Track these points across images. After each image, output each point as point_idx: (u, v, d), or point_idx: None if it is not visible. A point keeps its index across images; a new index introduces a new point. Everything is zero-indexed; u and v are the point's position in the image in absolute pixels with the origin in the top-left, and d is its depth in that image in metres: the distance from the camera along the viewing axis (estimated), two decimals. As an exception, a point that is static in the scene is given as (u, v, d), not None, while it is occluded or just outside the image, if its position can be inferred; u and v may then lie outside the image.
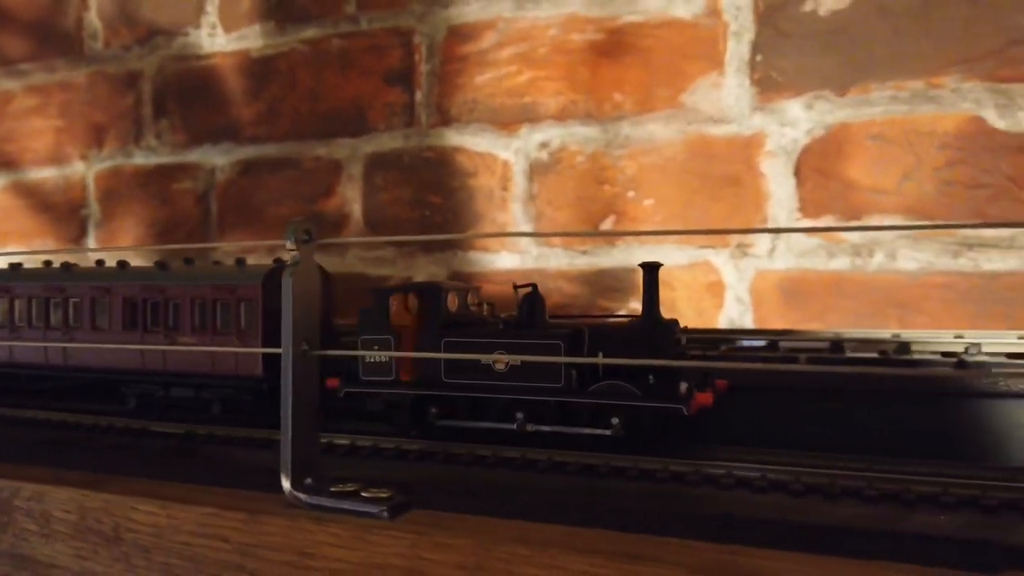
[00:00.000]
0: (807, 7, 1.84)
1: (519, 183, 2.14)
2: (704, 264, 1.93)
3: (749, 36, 1.90)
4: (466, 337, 1.43)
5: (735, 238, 1.90)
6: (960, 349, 1.47)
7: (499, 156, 2.16)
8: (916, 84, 1.75)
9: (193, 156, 2.60)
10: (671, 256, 1.97)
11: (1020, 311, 1.66)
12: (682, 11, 1.96)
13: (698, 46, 1.95)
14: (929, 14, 1.74)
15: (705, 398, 1.32)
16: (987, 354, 1.45)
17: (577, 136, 2.08)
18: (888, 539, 0.92)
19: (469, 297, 1.55)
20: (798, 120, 1.85)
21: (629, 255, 2.02)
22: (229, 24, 2.53)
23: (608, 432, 1.33)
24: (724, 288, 1.92)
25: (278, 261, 1.77)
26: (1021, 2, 1.68)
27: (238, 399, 1.65)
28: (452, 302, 1.49)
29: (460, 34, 2.21)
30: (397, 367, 1.47)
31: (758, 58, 1.89)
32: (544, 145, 2.11)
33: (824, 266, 1.82)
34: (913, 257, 1.75)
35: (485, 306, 1.57)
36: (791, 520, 1.00)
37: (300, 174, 2.41)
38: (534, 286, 1.46)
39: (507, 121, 2.15)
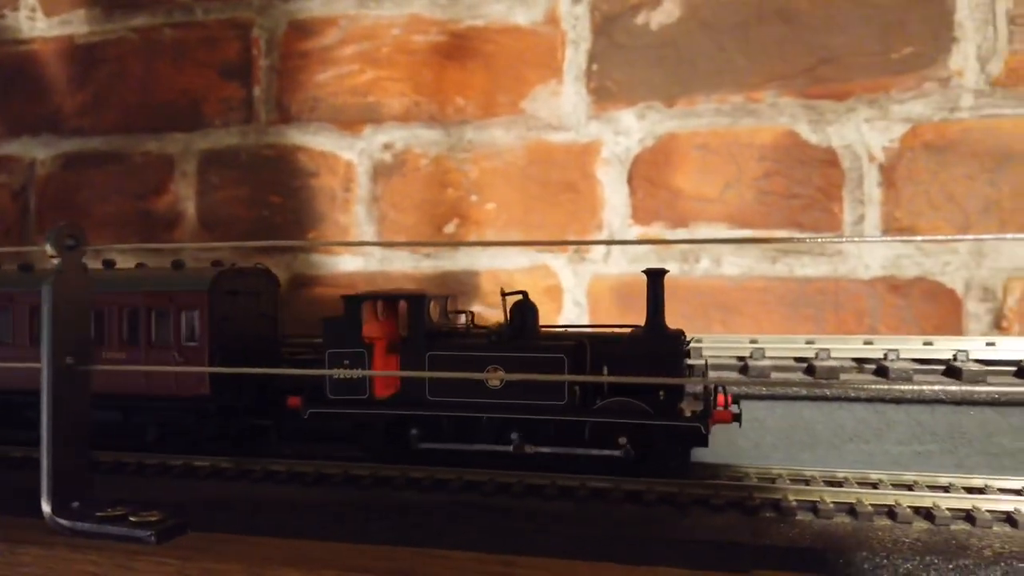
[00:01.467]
0: (640, 20, 1.91)
1: (363, 184, 2.11)
2: (543, 268, 1.97)
3: (586, 46, 1.95)
4: (455, 351, 1.31)
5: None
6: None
7: (342, 156, 2.12)
8: (737, 98, 1.85)
9: (10, 148, 2.40)
10: (513, 259, 2.00)
11: (826, 313, 1.79)
12: (522, 18, 1.99)
13: (538, 53, 1.99)
14: (748, 33, 1.85)
15: (723, 415, 1.25)
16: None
17: (421, 139, 2.07)
18: (659, 543, 0.98)
19: (448, 305, 1.43)
20: (631, 129, 1.92)
21: (473, 259, 2.04)
22: (51, 7, 2.36)
23: (618, 453, 1.24)
24: (562, 292, 1.97)
25: (216, 263, 1.61)
26: (830, 24, 1.80)
27: (179, 422, 1.47)
28: (433, 311, 1.36)
29: (301, 29, 2.15)
30: (371, 384, 1.33)
31: (594, 67, 1.94)
32: (388, 146, 2.09)
33: (655, 270, 1.90)
34: (735, 263, 1.85)
35: (465, 315, 1.45)
36: (571, 528, 1.06)
37: (128, 169, 2.28)
38: (525, 293, 1.36)
39: (350, 121, 2.12)
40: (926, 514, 1.11)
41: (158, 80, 2.26)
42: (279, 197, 2.17)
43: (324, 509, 1.15)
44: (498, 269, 2.00)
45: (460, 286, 2.05)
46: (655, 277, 1.29)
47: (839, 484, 1.24)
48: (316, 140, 2.14)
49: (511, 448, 1.27)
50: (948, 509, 1.11)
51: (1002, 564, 0.95)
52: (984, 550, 0.98)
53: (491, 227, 2.01)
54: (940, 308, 1.75)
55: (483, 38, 2.02)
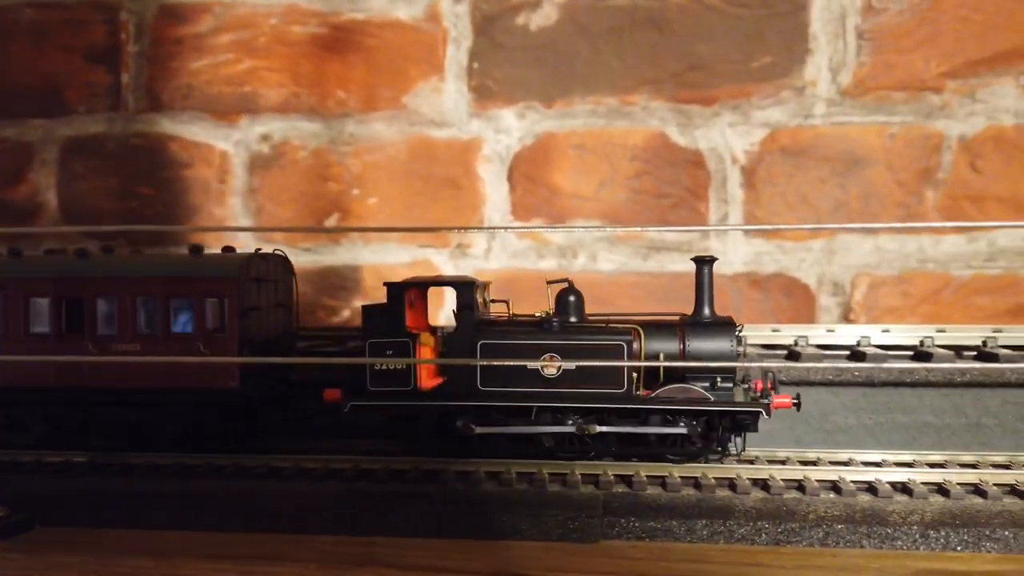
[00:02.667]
0: (519, 21, 1.96)
1: (239, 176, 2.06)
2: (425, 263, 1.99)
3: (467, 44, 1.98)
4: (508, 339, 1.29)
5: (455, 237, 1.98)
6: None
7: (217, 147, 2.07)
8: (612, 100, 1.93)
9: None
10: (395, 254, 2.00)
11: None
12: (404, 13, 1.99)
13: (420, 49, 2.00)
14: (623, 38, 1.92)
15: (784, 401, 1.28)
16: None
17: (301, 131, 2.04)
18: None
19: (486, 293, 1.40)
20: (511, 128, 1.96)
21: (354, 254, 2.03)
22: None
23: (684, 431, 1.27)
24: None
25: (196, 248, 1.48)
26: (698, 33, 1.90)
27: (202, 419, 1.38)
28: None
29: (173, 15, 2.08)
30: (415, 375, 1.29)
31: (475, 66, 1.97)
32: (266, 138, 2.05)
33: (534, 265, 1.95)
34: (610, 259, 1.93)
35: (506, 304, 1.40)
36: (433, 508, 1.12)
37: (-18, 157, 2.14)
38: (569, 281, 1.36)
39: (225, 111, 2.06)
40: (763, 485, 1.23)
41: (15, 62, 2.13)
42: (149, 188, 2.09)
43: (183, 500, 1.14)
44: (380, 264, 2.01)
45: (341, 280, 2.04)
46: (704, 264, 1.33)
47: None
48: (189, 130, 2.08)
49: (574, 429, 1.27)
50: (783, 480, 1.23)
51: (824, 526, 1.07)
52: (810, 514, 1.10)
53: (373, 222, 2.01)
54: (795, 301, 1.88)
55: (364, 32, 2.02)
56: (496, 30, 1.97)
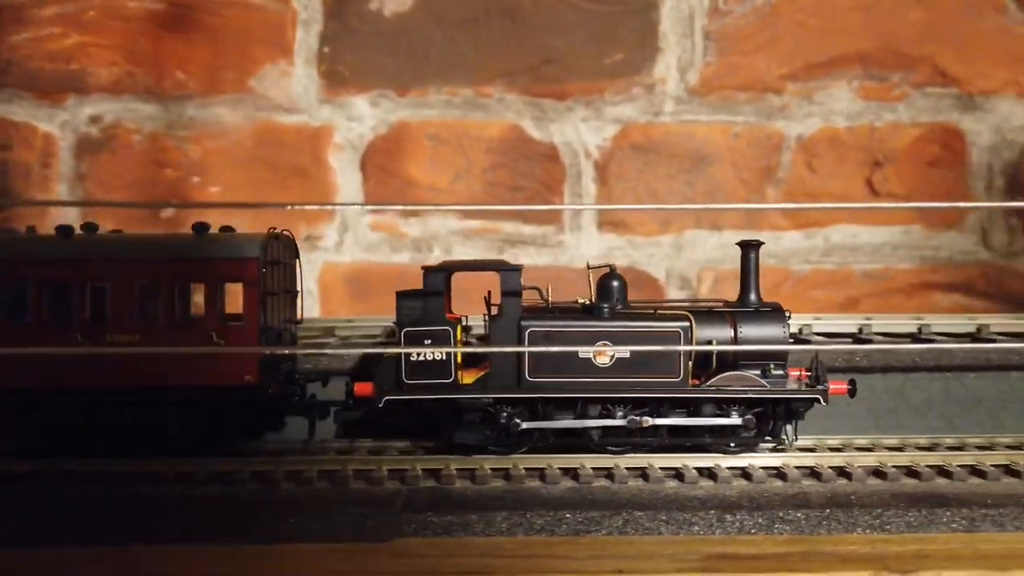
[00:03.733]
0: (372, 5, 1.90)
1: (65, 161, 1.90)
2: (272, 255, 1.90)
3: (318, 27, 1.90)
4: (558, 325, 1.21)
5: (304, 231, 1.90)
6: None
7: (40, 128, 1.90)
8: (467, 91, 1.90)
9: None
10: (240, 246, 1.90)
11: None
12: (249, -8, 1.89)
13: (267, 31, 1.90)
14: (478, 28, 1.90)
15: (839, 387, 1.25)
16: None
17: (135, 113, 1.90)
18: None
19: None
20: (364, 116, 1.90)
21: (195, 244, 1.91)
22: None
23: (739, 422, 1.22)
24: (293, 279, 1.91)
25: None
26: (552, 27, 1.90)
27: (215, 415, 1.24)
28: None
29: (-12, -18, 1.89)
30: (456, 366, 1.20)
31: (326, 50, 1.90)
32: (95, 120, 1.90)
33: (387, 259, 1.90)
34: (465, 253, 1.90)
35: (540, 290, 1.31)
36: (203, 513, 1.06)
37: None
38: (612, 267, 1.29)
39: (49, 89, 1.89)
40: (573, 474, 1.19)
41: None
42: (-40, 171, 1.89)
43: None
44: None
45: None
46: (750, 249, 1.28)
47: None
48: (8, 109, 1.89)
49: (627, 422, 1.21)
50: (592, 468, 1.19)
51: (624, 514, 1.05)
52: (612, 503, 1.09)
53: (214, 211, 1.89)
54: (644, 294, 1.91)
55: (207, 9, 1.90)
56: (348, 14, 1.90)
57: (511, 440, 1.24)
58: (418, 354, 1.19)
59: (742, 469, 1.21)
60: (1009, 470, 1.21)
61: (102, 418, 1.23)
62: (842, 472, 1.21)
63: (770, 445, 1.30)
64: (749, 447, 1.26)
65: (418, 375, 1.21)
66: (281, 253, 1.34)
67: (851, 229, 1.94)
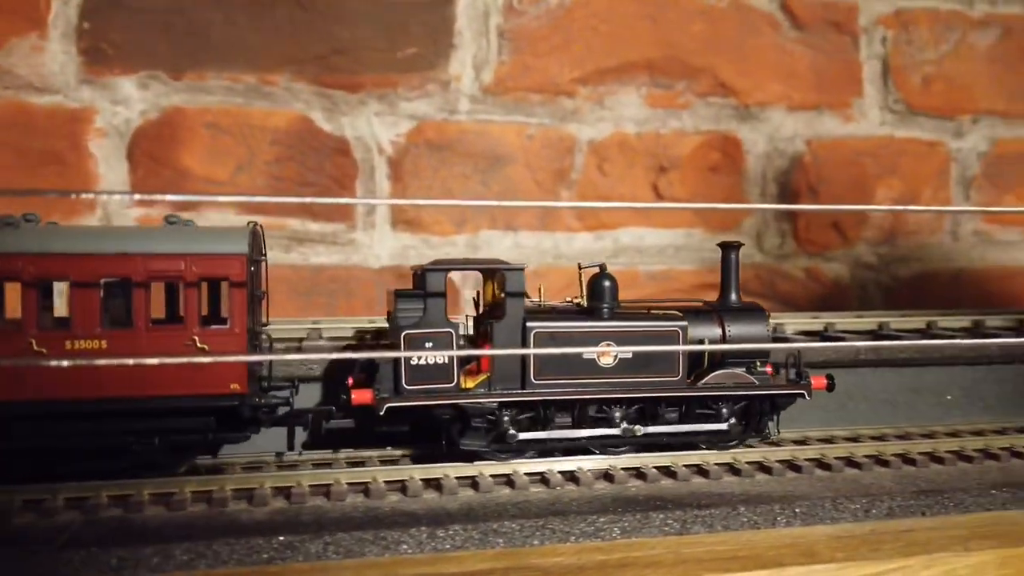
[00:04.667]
0: (144, -21, 1.73)
1: None
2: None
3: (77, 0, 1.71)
4: (562, 327, 1.17)
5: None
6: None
7: None
8: (251, 78, 1.78)
9: None
10: None
11: (339, 300, 1.82)
12: (-7, -47, 1.67)
13: (15, 1, 1.68)
14: (263, 12, 1.78)
15: (820, 382, 1.28)
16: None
17: None
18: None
19: None
20: (131, 99, 1.73)
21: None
22: None
23: (725, 427, 1.23)
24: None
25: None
26: (344, 16, 1.82)
27: (194, 432, 1.11)
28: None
29: None
30: (458, 369, 1.14)
31: (87, 25, 1.71)
32: None
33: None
34: (247, 249, 1.78)
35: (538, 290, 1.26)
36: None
37: None
38: (603, 266, 1.25)
39: None
40: (286, 493, 1.09)
41: None
42: None
43: None
44: None
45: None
46: (731, 251, 1.29)
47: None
48: None
49: (620, 431, 1.19)
50: (310, 485, 1.11)
51: (327, 536, 0.95)
52: (321, 523, 0.99)
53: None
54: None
55: (-60, -30, 1.66)
56: (114, -13, 1.72)
57: (509, 441, 1.18)
58: (419, 358, 1.13)
59: (471, 478, 1.14)
60: (732, 468, 1.21)
61: (58, 438, 1.07)
62: (571, 477, 1.16)
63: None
64: (740, 443, 1.28)
65: (419, 380, 1.14)
66: (259, 249, 1.19)
67: (638, 231, 1.99)
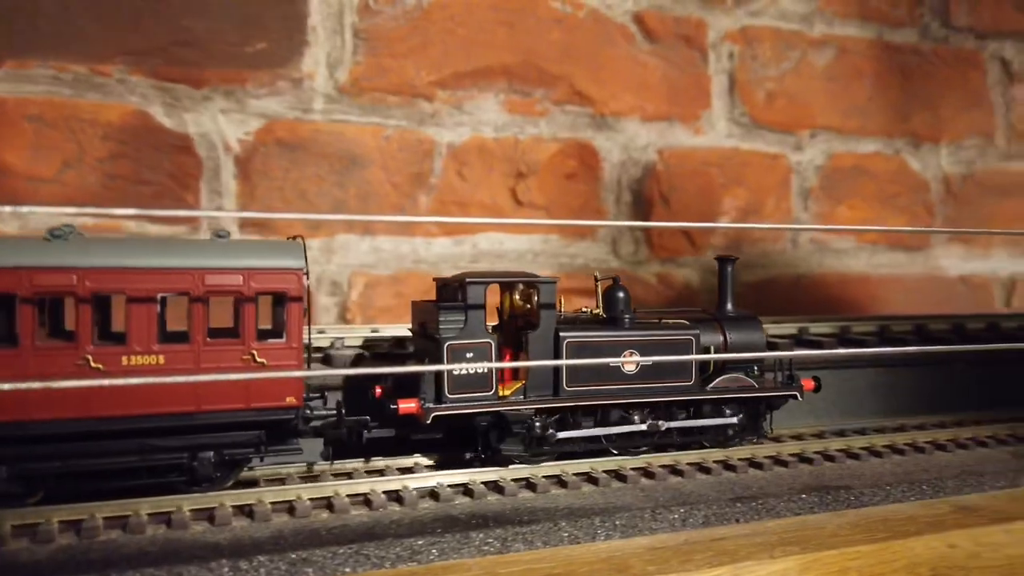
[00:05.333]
0: (-45, -45, 1.58)
1: None
2: None
3: None
4: (591, 336, 1.26)
5: None
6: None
7: None
8: (81, 68, 1.65)
9: None
10: None
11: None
12: None
13: None
14: (96, -3, 1.66)
15: (809, 384, 1.40)
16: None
17: None
18: None
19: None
20: (-60, 86, 1.57)
21: None
22: None
23: (735, 420, 1.35)
24: None
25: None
26: (189, 5, 1.72)
27: (244, 446, 1.12)
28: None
29: None
30: (496, 378, 1.20)
31: None
32: None
33: None
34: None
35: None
36: None
37: None
38: (616, 279, 1.36)
39: None
40: (77, 528, 1.01)
41: None
42: None
43: None
44: None
45: None
46: (727, 263, 1.41)
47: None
48: None
49: (646, 427, 1.29)
50: (103, 517, 1.03)
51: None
52: (114, 560, 0.92)
53: None
54: (291, 302, 1.81)
55: None
56: (-80, -39, 1.56)
57: (550, 448, 1.26)
58: (461, 368, 1.18)
59: (288, 503, 1.09)
60: (560, 480, 1.21)
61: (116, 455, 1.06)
62: (395, 497, 1.12)
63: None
64: (741, 440, 1.39)
65: (461, 389, 1.19)
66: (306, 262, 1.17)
67: (498, 236, 1.99)
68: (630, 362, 1.28)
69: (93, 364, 1.03)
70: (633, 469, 1.26)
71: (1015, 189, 2.57)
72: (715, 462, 1.31)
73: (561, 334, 1.24)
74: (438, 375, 1.18)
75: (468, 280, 1.21)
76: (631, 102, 2.14)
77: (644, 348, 1.28)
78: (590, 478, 1.23)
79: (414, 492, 1.13)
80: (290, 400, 1.12)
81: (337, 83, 1.83)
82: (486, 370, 1.20)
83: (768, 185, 2.30)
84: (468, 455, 1.26)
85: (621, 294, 1.35)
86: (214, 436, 1.11)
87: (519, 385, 1.25)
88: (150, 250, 1.09)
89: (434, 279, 1.33)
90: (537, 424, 1.23)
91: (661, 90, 2.17)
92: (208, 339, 1.08)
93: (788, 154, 2.32)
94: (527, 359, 1.23)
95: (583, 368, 1.25)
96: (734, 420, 1.35)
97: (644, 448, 1.32)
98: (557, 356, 1.24)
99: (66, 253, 1.02)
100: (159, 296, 1.07)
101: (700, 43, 2.21)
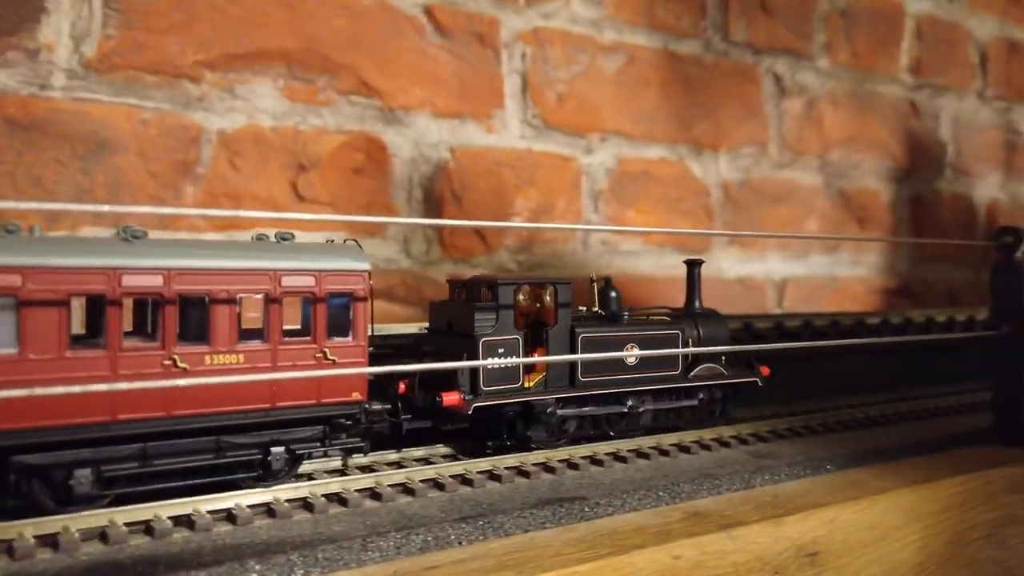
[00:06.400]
0: None
1: None
2: None
3: None
4: (601, 333, 1.41)
5: None
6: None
7: None
8: None
9: None
10: None
11: None
12: None
13: None
14: None
15: (765, 370, 1.59)
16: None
17: None
18: None
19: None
20: None
21: None
22: None
23: (695, 403, 1.52)
24: None
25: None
26: None
27: (314, 440, 1.16)
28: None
29: None
30: (522, 371, 1.34)
31: None
32: None
33: None
34: None
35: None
36: None
37: None
38: (609, 279, 1.55)
39: None
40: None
41: None
42: None
43: None
44: None
45: None
46: (695, 266, 1.62)
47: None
48: None
49: (627, 408, 1.44)
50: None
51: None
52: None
53: None
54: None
55: None
56: None
57: (566, 432, 1.41)
58: (495, 363, 1.29)
59: (52, 535, 0.96)
60: (269, 509, 1.08)
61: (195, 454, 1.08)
62: (102, 535, 0.98)
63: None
64: (711, 421, 1.56)
65: (494, 382, 1.30)
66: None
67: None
68: (632, 355, 1.43)
69: (180, 364, 1.05)
70: (358, 491, 1.14)
71: (785, 196, 2.75)
72: (451, 477, 1.21)
73: (576, 330, 1.39)
74: (473, 370, 1.28)
75: (500, 282, 1.33)
76: (422, 96, 2.06)
77: (642, 342, 1.45)
78: (306, 504, 1.10)
79: (76, 533, 0.96)
80: (355, 395, 1.18)
81: (83, 58, 1.62)
82: (514, 364, 1.32)
83: (559, 187, 2.30)
84: (490, 444, 1.37)
85: (614, 293, 1.53)
86: (285, 432, 1.14)
87: (540, 377, 1.38)
88: (229, 252, 1.12)
89: (448, 280, 1.45)
90: (558, 411, 1.37)
91: (453, 86, 2.12)
92: (282, 338, 1.14)
93: (579, 157, 2.34)
94: (547, 353, 1.37)
95: (594, 362, 1.40)
96: (719, 395, 1.56)
97: (638, 432, 1.47)
98: (573, 350, 1.38)
99: (153, 254, 1.04)
100: (239, 297, 1.10)
101: (493, 41, 2.18)
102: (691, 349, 1.50)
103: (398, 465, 1.31)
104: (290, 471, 1.17)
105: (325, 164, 1.92)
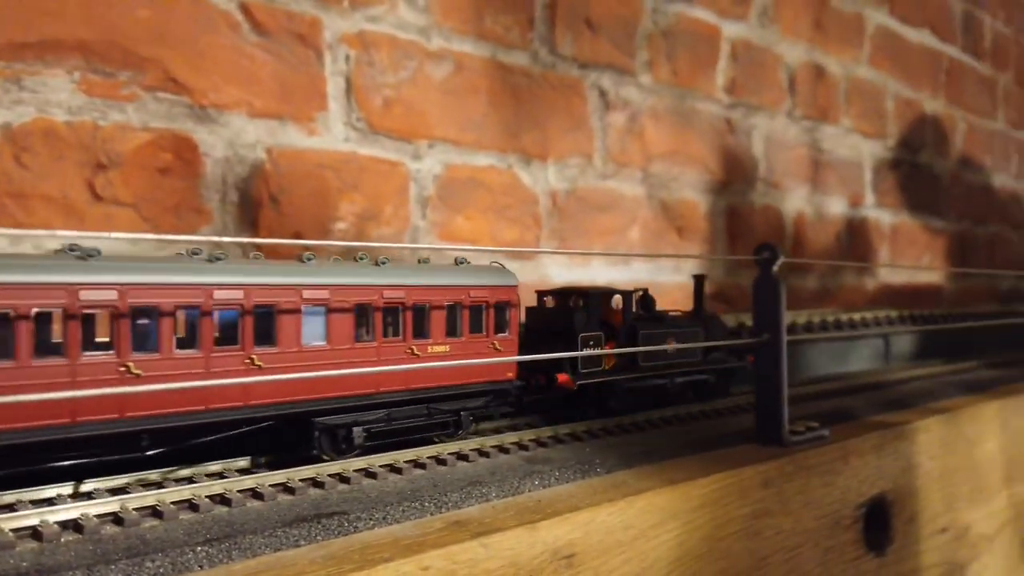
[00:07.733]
0: None
1: None
2: None
3: None
4: (655, 330, 1.84)
5: None
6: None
7: None
8: None
9: None
10: None
11: None
12: None
13: None
14: None
15: (751, 359, 1.92)
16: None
17: None
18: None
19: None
20: None
21: None
22: None
23: (704, 377, 2.00)
24: None
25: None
26: None
27: (485, 407, 1.60)
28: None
29: None
30: (603, 359, 1.73)
31: None
32: None
33: None
34: None
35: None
36: None
37: None
38: (645, 290, 1.92)
39: None
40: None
41: None
42: None
43: None
44: None
45: None
46: (700, 280, 2.05)
47: None
48: None
49: (667, 383, 1.90)
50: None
51: None
52: None
53: None
54: None
55: None
56: None
57: (627, 404, 1.80)
58: (584, 350, 1.66)
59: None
60: (35, 533, 1.01)
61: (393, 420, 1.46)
62: None
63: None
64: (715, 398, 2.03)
65: (587, 365, 1.69)
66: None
67: (75, 235, 1.73)
68: (672, 346, 1.83)
69: (415, 352, 1.45)
70: (98, 516, 1.04)
71: (609, 205, 2.85)
72: (207, 497, 1.13)
73: (637, 328, 1.81)
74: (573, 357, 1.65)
75: (591, 291, 1.76)
76: (237, 96, 1.99)
77: (677, 336, 1.86)
78: (35, 533, 1.00)
79: None
80: (509, 375, 1.61)
81: None
82: (600, 352, 1.71)
83: (386, 192, 2.28)
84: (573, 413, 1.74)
85: (652, 300, 1.92)
86: (467, 401, 1.55)
87: (614, 362, 1.77)
88: (437, 272, 1.54)
89: (536, 291, 1.83)
90: (627, 387, 1.78)
91: (272, 86, 2.06)
92: (469, 333, 1.54)
93: (407, 162, 2.33)
94: (620, 345, 1.77)
95: (649, 351, 1.80)
96: (713, 378, 2.02)
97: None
98: (633, 343, 1.78)
99: (395, 275, 1.45)
100: (445, 305, 1.50)
101: (315, 42, 2.14)
102: (705, 343, 1.97)
103: (157, 486, 1.18)
104: (467, 429, 1.56)
105: (128, 162, 1.81)
